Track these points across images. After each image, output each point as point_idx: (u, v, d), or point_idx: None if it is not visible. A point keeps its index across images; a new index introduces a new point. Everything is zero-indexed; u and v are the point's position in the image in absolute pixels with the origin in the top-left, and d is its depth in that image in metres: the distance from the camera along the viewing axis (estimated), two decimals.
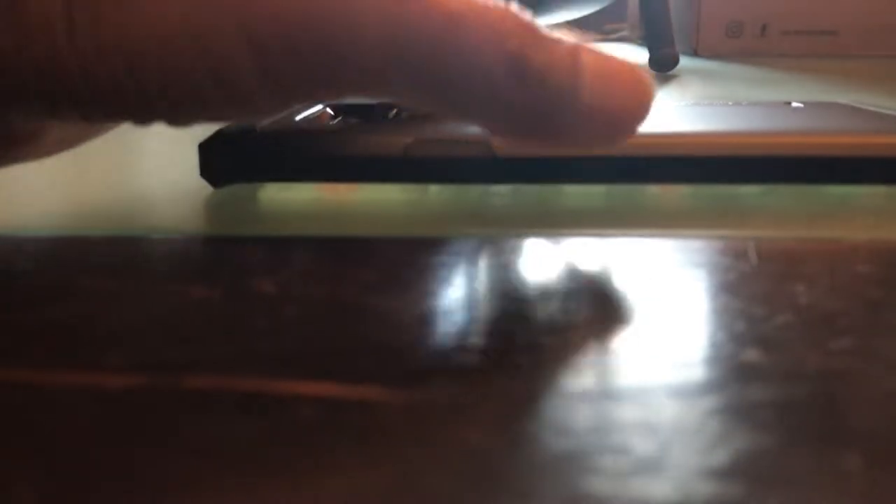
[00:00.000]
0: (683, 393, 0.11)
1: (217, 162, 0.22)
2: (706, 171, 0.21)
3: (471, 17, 0.15)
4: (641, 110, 0.17)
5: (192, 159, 0.21)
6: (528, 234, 0.18)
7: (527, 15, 0.16)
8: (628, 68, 0.17)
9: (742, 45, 0.86)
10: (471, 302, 0.14)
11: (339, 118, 0.24)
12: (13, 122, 0.17)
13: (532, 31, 0.16)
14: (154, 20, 0.14)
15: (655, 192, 0.22)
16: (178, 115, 0.16)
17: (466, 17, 0.15)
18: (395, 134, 0.21)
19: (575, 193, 0.22)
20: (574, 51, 0.16)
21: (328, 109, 0.25)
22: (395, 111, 0.24)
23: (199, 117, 0.16)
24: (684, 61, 0.76)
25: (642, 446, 0.10)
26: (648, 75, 0.17)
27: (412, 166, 0.21)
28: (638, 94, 0.16)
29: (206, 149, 0.22)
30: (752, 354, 0.12)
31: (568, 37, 0.16)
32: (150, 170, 0.26)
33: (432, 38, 0.15)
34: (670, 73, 0.66)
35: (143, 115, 0.16)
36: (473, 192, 0.22)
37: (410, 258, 0.17)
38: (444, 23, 0.15)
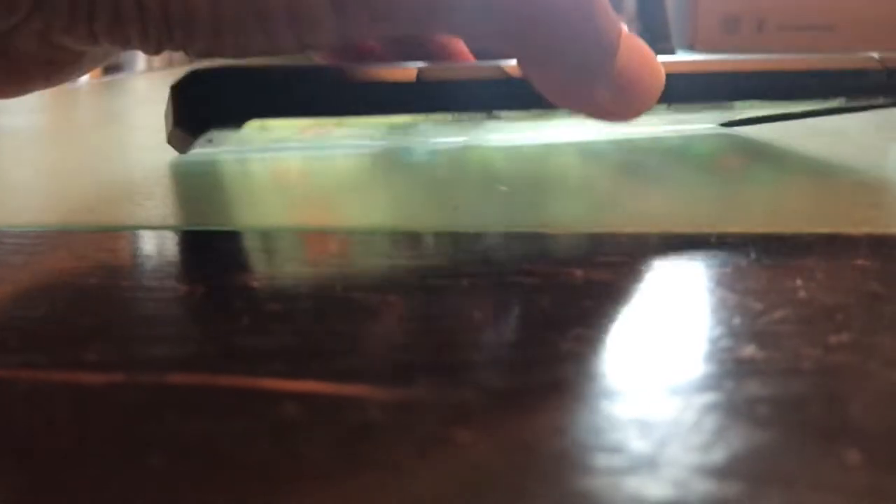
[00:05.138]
0: (679, 390, 0.11)
1: (202, 103, 0.18)
2: None
3: None
4: (655, 94, 0.19)
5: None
6: (521, 231, 0.18)
7: None
8: (652, 56, 0.19)
9: (739, 40, 0.86)
10: (459, 298, 0.14)
11: None
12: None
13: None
14: None
15: (651, 191, 0.22)
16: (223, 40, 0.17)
17: None
18: (399, 65, 0.19)
19: (572, 190, 0.22)
20: (620, 27, 0.18)
21: None
22: None
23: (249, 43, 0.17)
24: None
25: (637, 444, 0.09)
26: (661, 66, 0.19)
27: (426, 92, 0.19)
28: (655, 80, 0.19)
29: (183, 91, 0.18)
30: (749, 350, 0.12)
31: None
32: (133, 164, 0.26)
33: None
34: None
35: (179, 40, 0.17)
36: (471, 188, 0.21)
37: (399, 253, 0.17)
38: None
